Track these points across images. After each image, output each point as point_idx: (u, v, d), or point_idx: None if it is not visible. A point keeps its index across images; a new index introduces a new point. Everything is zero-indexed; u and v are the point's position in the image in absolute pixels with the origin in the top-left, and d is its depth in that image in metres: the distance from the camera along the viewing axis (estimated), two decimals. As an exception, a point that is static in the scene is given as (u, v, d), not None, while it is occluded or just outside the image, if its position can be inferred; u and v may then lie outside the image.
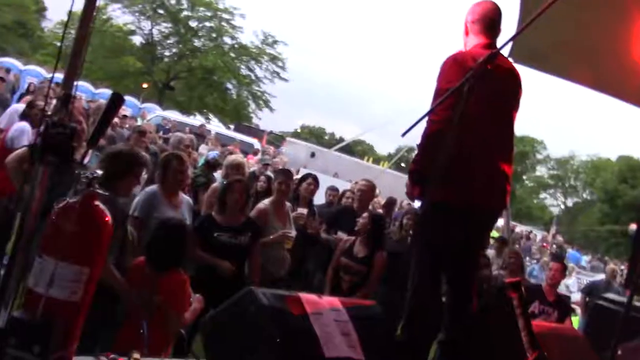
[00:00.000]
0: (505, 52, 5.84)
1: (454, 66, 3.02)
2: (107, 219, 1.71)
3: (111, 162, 3.71)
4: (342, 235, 6.07)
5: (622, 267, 16.40)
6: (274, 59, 40.10)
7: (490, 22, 3.31)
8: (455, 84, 2.69)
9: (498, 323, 2.84)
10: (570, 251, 27.05)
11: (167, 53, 41.09)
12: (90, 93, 22.79)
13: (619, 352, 4.08)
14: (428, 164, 3.00)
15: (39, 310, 1.60)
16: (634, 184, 43.00)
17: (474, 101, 2.90)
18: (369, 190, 6.54)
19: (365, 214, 5.85)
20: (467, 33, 3.38)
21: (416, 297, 3.16)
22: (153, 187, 4.60)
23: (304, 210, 6.14)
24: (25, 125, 6.06)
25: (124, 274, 3.53)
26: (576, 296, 13.80)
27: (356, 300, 2.61)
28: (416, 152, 3.27)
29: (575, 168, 58.93)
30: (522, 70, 5.74)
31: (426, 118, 2.98)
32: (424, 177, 3.05)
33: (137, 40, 40.28)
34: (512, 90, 3.36)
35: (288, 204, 5.88)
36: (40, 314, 1.60)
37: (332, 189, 8.31)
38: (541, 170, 61.18)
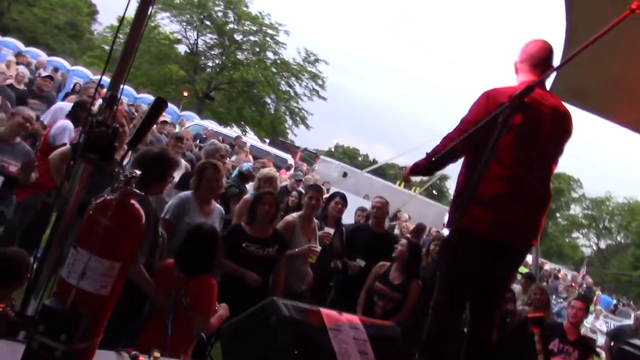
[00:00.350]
0: (547, 87, 5.86)
1: (484, 101, 3.06)
2: (141, 218, 1.76)
3: (144, 163, 3.79)
4: (360, 262, 6.10)
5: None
6: (314, 77, 40.41)
7: (536, 60, 3.32)
8: (480, 118, 2.73)
9: (517, 357, 2.81)
10: (601, 295, 26.43)
11: (210, 64, 41.76)
12: (132, 97, 23.31)
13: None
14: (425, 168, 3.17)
15: (69, 300, 1.65)
16: (670, 230, 41.91)
17: (518, 139, 2.95)
18: (382, 207, 6.54)
19: (403, 241, 5.85)
20: (516, 72, 3.41)
21: (437, 323, 3.16)
22: (187, 193, 4.68)
23: (330, 230, 6.17)
24: (68, 123, 6.23)
25: (153, 275, 3.61)
26: (602, 339, 13.50)
27: (376, 320, 2.61)
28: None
29: (611, 209, 57.74)
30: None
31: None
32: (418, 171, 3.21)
33: (182, 49, 41.13)
34: (560, 133, 3.34)
35: (316, 220, 5.91)
36: (70, 304, 1.65)
37: (362, 210, 8.33)
38: (575, 209, 60.20)
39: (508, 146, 3.01)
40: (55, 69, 18.42)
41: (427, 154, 3.28)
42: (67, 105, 7.84)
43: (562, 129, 3.34)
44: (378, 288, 5.56)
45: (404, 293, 5.45)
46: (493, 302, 3.38)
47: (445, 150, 3.08)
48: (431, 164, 3.26)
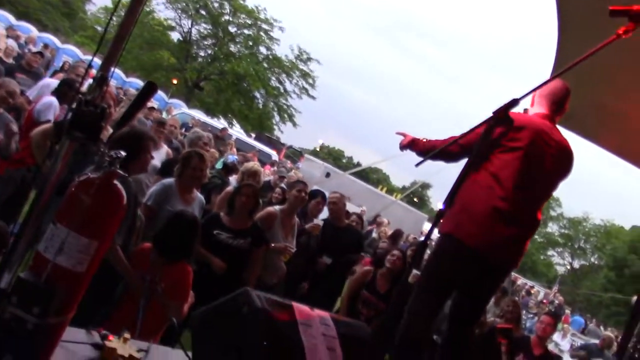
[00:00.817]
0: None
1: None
2: (123, 199, 1.77)
3: (121, 144, 3.76)
4: (326, 259, 6.17)
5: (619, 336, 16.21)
6: (305, 75, 40.44)
7: (556, 98, 3.47)
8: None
9: (482, 365, 2.86)
10: (575, 316, 26.73)
11: (202, 53, 41.62)
12: (121, 80, 23.13)
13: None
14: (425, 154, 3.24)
15: (44, 274, 1.66)
16: (644, 256, 42.51)
17: (521, 161, 3.02)
18: (338, 202, 6.62)
19: (396, 252, 5.90)
20: (532, 104, 3.48)
21: (411, 326, 3.19)
22: (170, 180, 4.69)
23: (320, 222, 6.21)
24: (53, 100, 6.19)
25: (128, 257, 3.61)
26: (567, 358, 13.65)
27: (347, 318, 2.63)
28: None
29: (587, 230, 58.48)
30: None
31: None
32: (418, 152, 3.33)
33: (174, 36, 40.93)
34: (560, 170, 3.44)
35: (296, 218, 5.94)
36: (45, 278, 1.66)
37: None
38: (553, 228, 60.84)
39: (509, 165, 3.08)
40: (45, 46, 18.26)
41: (427, 140, 3.36)
42: (54, 82, 7.77)
43: (563, 166, 3.43)
44: (365, 296, 5.59)
45: (388, 301, 5.49)
46: (472, 315, 3.44)
47: (441, 148, 3.17)
48: (425, 149, 3.38)
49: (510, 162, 3.09)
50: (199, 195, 4.92)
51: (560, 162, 3.37)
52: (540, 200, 3.42)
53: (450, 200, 2.14)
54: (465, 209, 3.07)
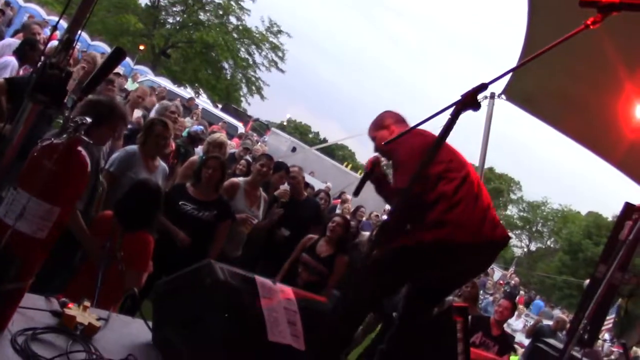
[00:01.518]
0: (499, 88, 6.02)
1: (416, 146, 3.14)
2: (87, 166, 1.75)
3: (89, 110, 3.69)
4: (284, 231, 6.15)
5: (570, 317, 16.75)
6: (274, 47, 40.03)
7: (400, 117, 3.68)
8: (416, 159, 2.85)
9: (438, 343, 2.92)
10: (537, 301, 27.45)
11: (170, 20, 40.76)
12: (85, 44, 22.55)
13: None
14: (400, 229, 3.20)
15: (3, 240, 1.63)
16: (598, 241, 43.68)
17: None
18: (298, 176, 6.63)
19: (338, 218, 5.93)
20: (391, 133, 3.55)
21: (363, 301, 3.24)
22: (133, 147, 4.62)
23: (287, 187, 6.22)
24: (11, 59, 6.04)
25: (89, 224, 3.56)
26: (520, 337, 14.05)
27: (309, 294, 2.66)
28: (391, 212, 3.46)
29: (545, 215, 59.89)
30: (514, 110, 5.92)
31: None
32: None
33: (142, 1, 39.87)
34: None
35: (261, 191, 5.93)
36: (4, 244, 1.63)
37: (305, 185, 8.35)
38: (512, 210, 62.14)
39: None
40: (7, 3, 17.63)
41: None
42: (15, 42, 7.55)
43: None
44: (304, 259, 5.63)
45: (329, 267, 5.54)
46: (439, 297, 3.54)
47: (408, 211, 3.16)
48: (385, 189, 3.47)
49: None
50: (162, 164, 4.85)
51: None
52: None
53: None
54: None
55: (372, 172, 3.60)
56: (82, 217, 3.50)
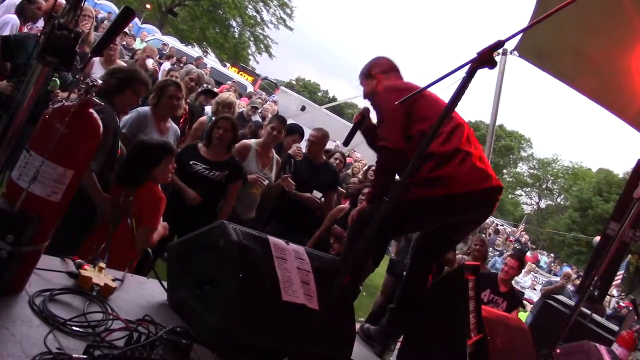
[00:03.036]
0: (511, 45, 5.92)
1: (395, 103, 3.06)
2: (99, 128, 1.74)
3: (112, 76, 3.75)
4: (317, 194, 6.04)
5: (579, 273, 16.87)
6: (283, 5, 39.51)
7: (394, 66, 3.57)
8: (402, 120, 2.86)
9: (449, 301, 2.94)
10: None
11: (177, -23, 40.14)
12: (91, 2, 22.32)
13: (557, 351, 4.26)
14: (387, 187, 3.15)
15: (18, 202, 1.64)
16: (608, 198, 43.62)
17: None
18: (318, 142, 6.28)
19: (366, 190, 5.88)
20: (380, 82, 3.50)
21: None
22: (145, 109, 4.60)
23: (301, 146, 6.19)
24: (12, 17, 5.97)
25: (107, 186, 3.59)
26: (529, 293, 14.19)
27: (322, 253, 2.67)
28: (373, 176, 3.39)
29: (556, 172, 59.64)
30: (525, 67, 5.83)
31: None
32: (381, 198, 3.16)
33: (148, -42, 39.23)
34: None
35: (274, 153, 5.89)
36: (19, 206, 1.64)
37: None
38: (522, 168, 61.93)
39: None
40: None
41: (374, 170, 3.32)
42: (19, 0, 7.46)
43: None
44: (336, 231, 5.65)
45: None
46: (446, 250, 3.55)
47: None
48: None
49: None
50: (173, 126, 4.84)
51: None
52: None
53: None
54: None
55: (361, 124, 3.56)
56: (100, 179, 3.53)
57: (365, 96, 3.58)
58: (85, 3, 1.92)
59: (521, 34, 5.52)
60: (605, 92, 5.57)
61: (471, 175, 3.08)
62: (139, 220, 3.46)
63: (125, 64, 5.58)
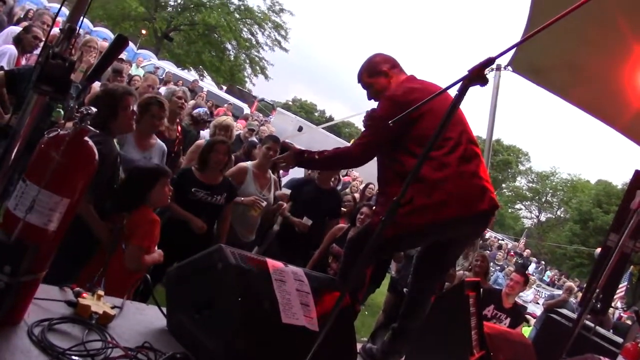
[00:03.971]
0: (505, 60, 5.96)
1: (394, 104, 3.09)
2: (94, 155, 1.74)
3: (97, 105, 3.66)
4: (307, 220, 6.03)
5: (581, 286, 16.80)
6: (277, 27, 39.74)
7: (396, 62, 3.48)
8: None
9: (451, 318, 2.93)
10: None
11: (171, 2, 40.39)
12: (87, 28, 22.47)
13: (562, 365, 4.23)
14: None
15: (15, 232, 1.64)
16: (608, 209, 43.58)
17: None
18: None
19: (365, 208, 5.92)
20: (390, 77, 3.43)
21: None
22: None
23: (287, 191, 6.19)
24: (10, 48, 6.00)
25: (107, 215, 3.57)
26: (532, 307, 14.11)
27: (320, 274, 2.67)
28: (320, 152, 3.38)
29: (554, 185, 59.67)
30: (521, 81, 5.87)
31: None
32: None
33: (142, -16, 39.55)
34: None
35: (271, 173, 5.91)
36: (16, 236, 1.64)
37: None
38: (521, 182, 61.94)
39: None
40: (7, -8, 17.55)
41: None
42: (18, 30, 7.50)
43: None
44: (335, 250, 5.64)
45: None
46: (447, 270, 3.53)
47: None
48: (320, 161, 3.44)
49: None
50: (159, 142, 4.64)
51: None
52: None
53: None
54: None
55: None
56: (99, 208, 3.50)
57: (372, 96, 3.45)
58: (90, 35, 1.94)
59: (514, 50, 5.57)
60: (598, 102, 5.60)
61: (463, 199, 3.03)
62: (128, 237, 3.42)
63: (97, 88, 5.47)
